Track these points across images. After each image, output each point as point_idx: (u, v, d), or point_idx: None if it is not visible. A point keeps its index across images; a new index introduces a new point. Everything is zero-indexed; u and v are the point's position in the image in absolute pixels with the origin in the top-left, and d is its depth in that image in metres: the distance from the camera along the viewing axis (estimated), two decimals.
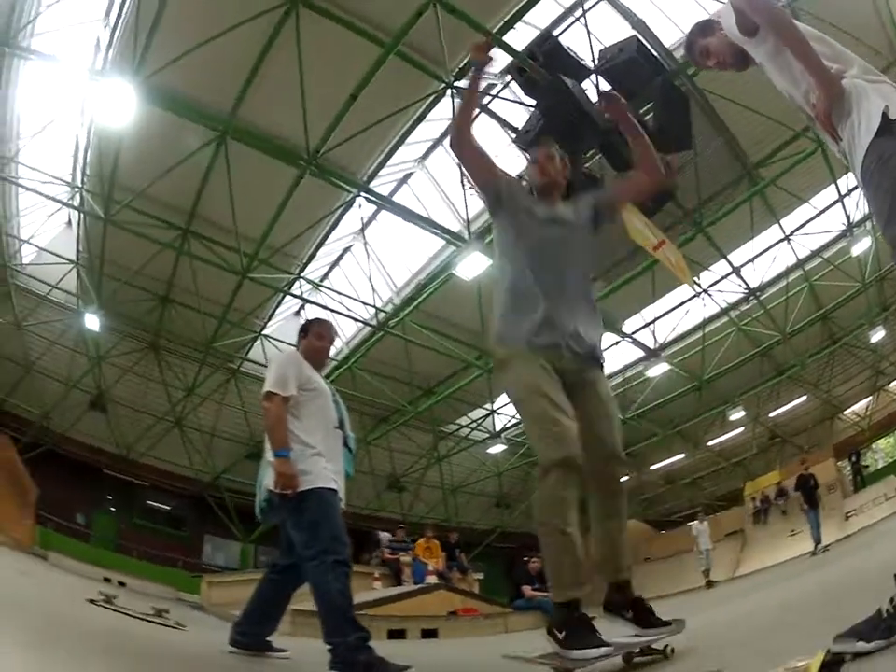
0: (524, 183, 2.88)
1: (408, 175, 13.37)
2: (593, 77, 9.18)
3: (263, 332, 15.80)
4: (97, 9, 11.07)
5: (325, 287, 14.28)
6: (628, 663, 2.35)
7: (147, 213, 12.19)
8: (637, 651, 2.36)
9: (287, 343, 16.13)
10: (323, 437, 3.38)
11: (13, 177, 12.91)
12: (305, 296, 14.28)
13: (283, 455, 3.15)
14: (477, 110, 2.61)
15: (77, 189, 13.23)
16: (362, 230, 14.15)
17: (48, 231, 15.45)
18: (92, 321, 15.20)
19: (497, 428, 18.94)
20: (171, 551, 18.07)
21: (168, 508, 19.08)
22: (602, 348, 2.66)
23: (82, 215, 13.96)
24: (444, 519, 20.22)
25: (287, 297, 14.69)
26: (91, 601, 5.17)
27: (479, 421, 18.99)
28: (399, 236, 14.01)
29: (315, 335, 3.73)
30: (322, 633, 2.95)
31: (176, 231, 12.98)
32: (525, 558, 10.92)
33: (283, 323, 16.19)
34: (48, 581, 7.25)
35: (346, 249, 14.67)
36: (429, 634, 7.84)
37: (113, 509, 18.51)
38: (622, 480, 2.52)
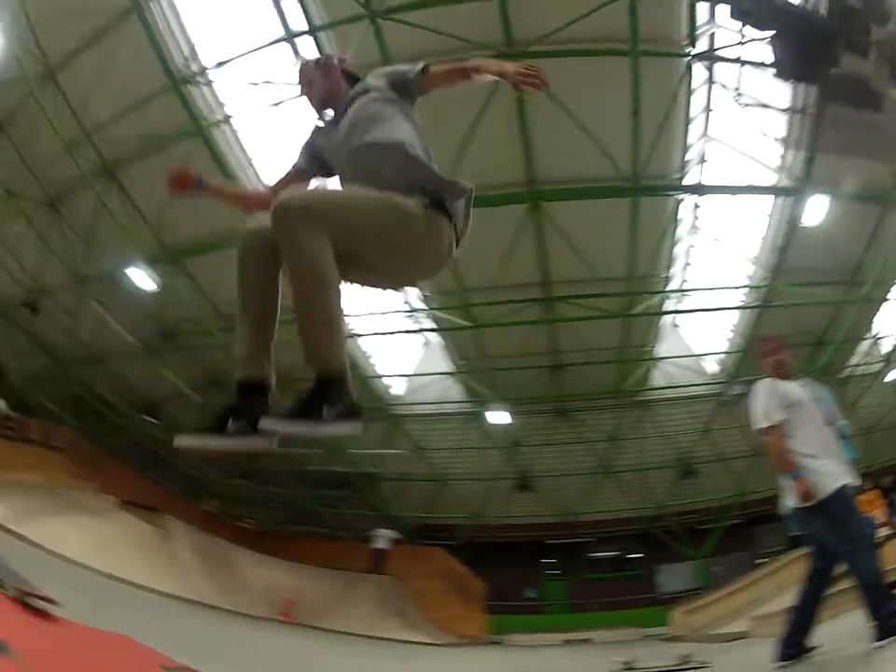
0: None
1: (703, 155, 13.22)
2: None
3: (655, 356, 16.24)
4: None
5: (693, 290, 14.44)
6: None
7: (503, 301, 12.98)
8: None
9: (681, 358, 16.49)
10: (820, 442, 3.75)
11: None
12: (676, 308, 14.67)
13: (795, 476, 3.64)
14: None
15: (425, 313, 14.84)
16: (694, 223, 14.33)
17: (405, 358, 17.43)
18: (498, 416, 16.84)
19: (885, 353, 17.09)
20: (625, 592, 18.73)
21: (614, 553, 20.03)
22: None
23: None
24: (867, 466, 18.71)
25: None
26: None
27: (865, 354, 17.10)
28: (729, 210, 13.78)
29: (761, 356, 4.17)
30: (866, 610, 3.41)
31: (537, 304, 13.98)
32: None
33: (665, 340, 16.47)
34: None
35: (690, 247, 14.92)
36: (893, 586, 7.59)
37: (559, 573, 19.90)
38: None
